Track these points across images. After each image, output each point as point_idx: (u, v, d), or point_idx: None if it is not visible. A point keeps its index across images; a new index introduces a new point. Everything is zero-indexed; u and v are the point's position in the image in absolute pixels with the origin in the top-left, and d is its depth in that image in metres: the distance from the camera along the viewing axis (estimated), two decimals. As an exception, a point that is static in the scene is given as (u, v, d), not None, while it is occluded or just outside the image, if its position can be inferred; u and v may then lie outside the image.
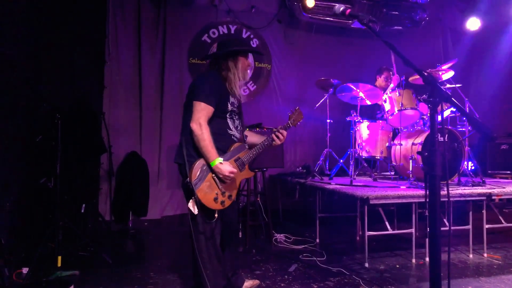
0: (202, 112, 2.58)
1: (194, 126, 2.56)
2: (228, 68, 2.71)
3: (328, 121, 5.41)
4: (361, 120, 5.09)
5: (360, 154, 5.04)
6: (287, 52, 6.34)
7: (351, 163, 4.78)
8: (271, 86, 6.24)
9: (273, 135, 2.86)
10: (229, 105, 2.71)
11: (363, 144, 5.07)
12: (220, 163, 2.58)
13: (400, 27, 6.38)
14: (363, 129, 5.10)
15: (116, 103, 5.41)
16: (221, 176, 2.60)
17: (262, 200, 4.94)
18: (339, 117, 5.82)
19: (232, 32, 5.99)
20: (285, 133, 2.89)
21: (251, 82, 6.01)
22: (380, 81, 5.67)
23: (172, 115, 5.58)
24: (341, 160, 5.14)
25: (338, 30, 6.46)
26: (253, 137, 2.97)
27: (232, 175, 2.62)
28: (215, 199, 2.60)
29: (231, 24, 6.01)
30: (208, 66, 2.83)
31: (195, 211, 2.51)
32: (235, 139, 2.78)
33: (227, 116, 2.73)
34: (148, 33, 5.55)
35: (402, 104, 4.68)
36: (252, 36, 6.11)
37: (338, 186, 4.23)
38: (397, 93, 4.78)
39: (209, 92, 2.61)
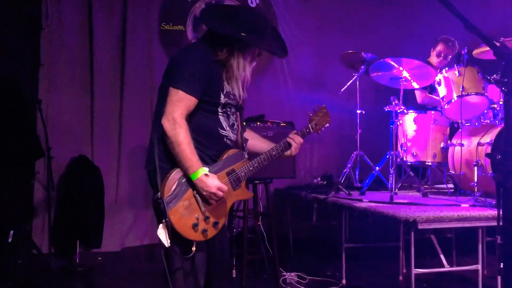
0: (179, 104, 2.57)
1: (166, 123, 2.56)
2: (233, 54, 2.70)
3: (358, 112, 5.41)
4: (405, 111, 5.09)
5: (404, 159, 5.05)
6: (300, 13, 6.35)
7: (391, 171, 4.76)
8: (276, 63, 6.23)
9: (287, 141, 2.89)
10: (222, 96, 2.70)
11: (408, 144, 5.07)
12: (206, 174, 2.58)
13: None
14: (409, 123, 5.10)
15: (58, 88, 5.42)
16: (205, 193, 2.59)
17: (265, 225, 4.93)
18: (373, 106, 5.81)
19: (222, -14, 6.01)
20: (300, 140, 2.93)
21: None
22: (432, 56, 5.67)
23: (137, 104, 5.59)
24: (377, 168, 5.16)
25: (372, -15, 6.50)
26: (256, 142, 2.98)
27: (220, 193, 2.61)
28: (194, 226, 2.58)
29: (221, -25, 6.02)
30: (196, 35, 2.85)
31: (166, 241, 2.52)
32: (229, 142, 2.78)
33: (219, 110, 2.73)
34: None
35: (463, 87, 4.67)
36: (249, -8, 6.13)
37: (372, 204, 4.19)
38: (456, 72, 4.76)
39: (192, 75, 2.61)
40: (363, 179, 5.26)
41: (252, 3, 6.09)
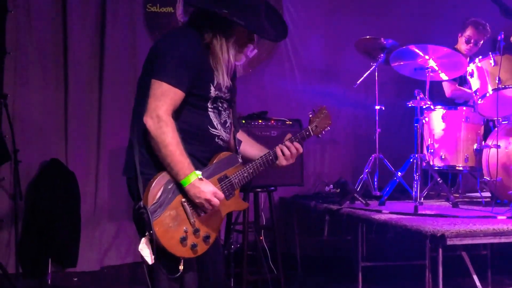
0: (163, 98, 2.58)
1: (149, 121, 2.56)
2: (215, 36, 2.71)
3: (377, 107, 5.42)
4: (432, 107, 5.11)
5: (431, 163, 5.06)
6: (309, -8, 6.35)
7: (416, 177, 4.76)
8: (282, 50, 6.23)
9: (277, 150, 2.90)
10: (212, 89, 2.72)
11: (436, 146, 5.11)
12: (200, 179, 2.59)
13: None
14: (436, 121, 5.16)
15: (26, 80, 5.37)
16: (197, 200, 2.60)
17: (269, 240, 4.95)
18: (394, 101, 5.81)
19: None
20: (297, 148, 2.93)
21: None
22: (460, 43, 5.67)
23: (119, 99, 5.54)
24: (399, 173, 5.14)
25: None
26: (249, 146, 3.01)
27: (216, 200, 2.62)
28: (182, 240, 2.58)
29: None
30: (186, 19, 2.83)
31: (150, 258, 2.51)
32: (222, 143, 2.81)
33: (209, 106, 2.75)
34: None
35: (499, 79, 4.68)
36: (250, -33, 6.08)
37: (394, 216, 4.21)
38: (492, 62, 4.79)
39: (177, 65, 2.62)
40: (382, 187, 5.27)
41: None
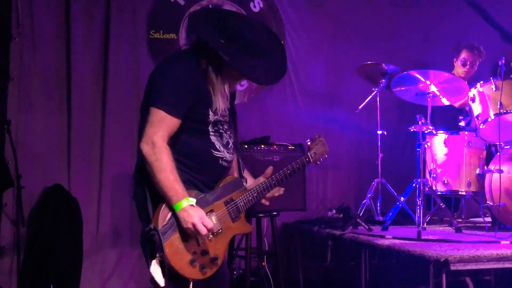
0: (159, 125, 2.62)
1: (145, 147, 2.61)
2: (212, 64, 2.74)
3: (379, 132, 5.41)
4: (434, 132, 5.11)
5: (434, 188, 5.05)
6: (311, 19, 6.37)
7: (419, 202, 4.74)
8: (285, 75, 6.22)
9: (267, 183, 2.98)
10: (211, 114, 2.76)
11: (438, 170, 5.10)
12: (191, 205, 2.61)
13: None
14: (438, 146, 5.14)
15: (29, 106, 5.39)
16: (185, 226, 2.60)
17: (271, 265, 4.92)
18: (396, 126, 5.81)
19: (221, -13, 6.04)
20: (275, 191, 3.05)
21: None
22: (457, 67, 5.70)
23: (121, 125, 5.57)
24: (402, 198, 5.14)
25: (392, -16, 6.52)
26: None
27: (201, 226, 2.59)
28: (192, 262, 2.62)
29: (219, -27, 6.07)
30: (187, 45, 2.91)
31: (162, 280, 2.52)
32: (226, 164, 2.85)
33: (210, 129, 2.78)
34: (83, -8, 5.60)
35: (501, 104, 4.69)
36: (253, -7, 6.16)
37: (397, 242, 4.19)
38: (493, 87, 4.80)
39: (174, 92, 2.66)
40: (385, 212, 5.24)
41: (255, 7, 6.10)
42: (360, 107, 5.44)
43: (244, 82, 5.99)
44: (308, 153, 3.16)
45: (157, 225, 2.56)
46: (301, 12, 6.34)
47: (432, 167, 5.13)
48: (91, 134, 5.57)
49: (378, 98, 5.44)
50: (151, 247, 2.56)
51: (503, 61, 4.71)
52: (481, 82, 4.97)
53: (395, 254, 4.01)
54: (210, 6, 5.94)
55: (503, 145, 4.77)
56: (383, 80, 5.38)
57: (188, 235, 2.61)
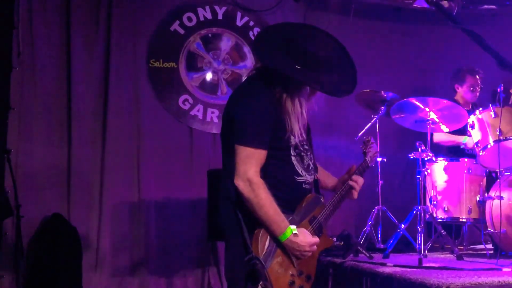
0: (249, 161, 2.68)
1: (241, 185, 2.67)
2: (285, 91, 2.77)
3: (379, 159, 5.41)
4: (434, 158, 5.11)
5: (434, 215, 5.04)
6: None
7: (420, 229, 4.73)
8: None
9: (350, 184, 3.09)
10: (291, 138, 2.81)
11: (439, 197, 5.09)
12: (294, 234, 2.71)
13: (494, 6, 6.52)
14: (438, 173, 5.14)
15: (30, 135, 5.42)
16: (297, 253, 2.74)
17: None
18: (396, 153, 5.82)
19: (220, 17, 6.10)
20: (362, 181, 3.14)
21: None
22: (461, 93, 5.73)
23: (121, 154, 5.62)
24: (402, 225, 5.13)
25: (391, 12, 6.57)
26: (325, 178, 3.20)
27: (315, 248, 2.79)
28: (291, 284, 2.73)
29: (217, 4, 6.11)
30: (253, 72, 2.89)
31: None
32: (308, 187, 2.93)
33: (292, 153, 2.83)
34: (83, 23, 5.62)
35: (500, 130, 4.71)
36: (251, 23, 6.21)
37: (398, 269, 4.17)
38: (492, 113, 4.82)
39: (257, 127, 2.71)
40: (386, 239, 5.24)
41: (254, 36, 6.17)
42: (359, 134, 5.42)
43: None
44: (366, 158, 3.25)
45: (257, 254, 2.63)
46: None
47: (432, 194, 5.13)
48: (90, 164, 5.60)
49: (377, 126, 5.45)
50: (252, 276, 2.60)
51: (502, 88, 4.77)
52: (480, 109, 4.98)
53: (396, 282, 3.98)
54: (210, 35, 6.02)
55: (503, 171, 4.76)
56: (383, 107, 5.39)
57: (285, 259, 2.73)
